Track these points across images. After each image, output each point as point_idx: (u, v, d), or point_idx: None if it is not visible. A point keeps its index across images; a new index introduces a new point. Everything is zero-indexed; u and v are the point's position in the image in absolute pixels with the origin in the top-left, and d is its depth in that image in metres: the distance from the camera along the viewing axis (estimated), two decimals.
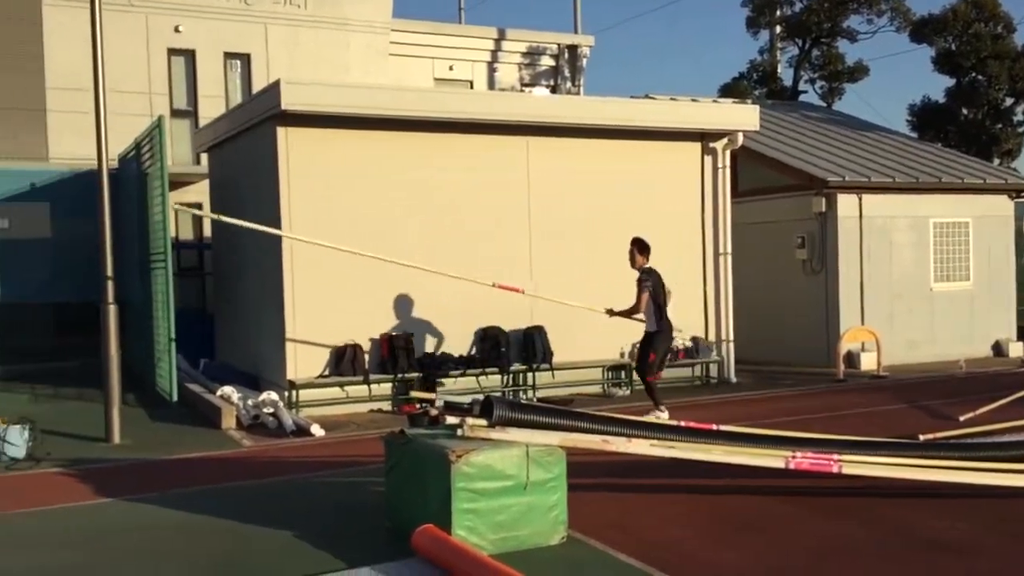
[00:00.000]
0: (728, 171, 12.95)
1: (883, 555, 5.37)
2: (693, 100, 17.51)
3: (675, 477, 6.88)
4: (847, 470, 6.20)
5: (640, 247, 9.71)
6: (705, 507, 6.35)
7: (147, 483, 7.36)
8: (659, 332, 9.62)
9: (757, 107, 13.46)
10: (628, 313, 9.65)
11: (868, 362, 13.83)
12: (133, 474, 7.78)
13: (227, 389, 10.48)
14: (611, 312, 9.86)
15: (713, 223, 12.85)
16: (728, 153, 12.94)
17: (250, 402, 10.03)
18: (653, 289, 9.47)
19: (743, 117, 13.05)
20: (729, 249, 12.88)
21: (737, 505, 6.39)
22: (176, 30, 17.00)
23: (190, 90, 17.40)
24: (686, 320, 12.42)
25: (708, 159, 12.86)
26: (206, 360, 13.00)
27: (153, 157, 11.24)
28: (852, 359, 13.93)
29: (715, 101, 19.41)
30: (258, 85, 16.94)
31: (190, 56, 17.30)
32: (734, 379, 12.74)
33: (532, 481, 5.43)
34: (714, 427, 6.64)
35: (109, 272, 9.27)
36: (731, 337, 12.82)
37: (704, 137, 12.78)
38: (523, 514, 5.40)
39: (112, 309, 9.22)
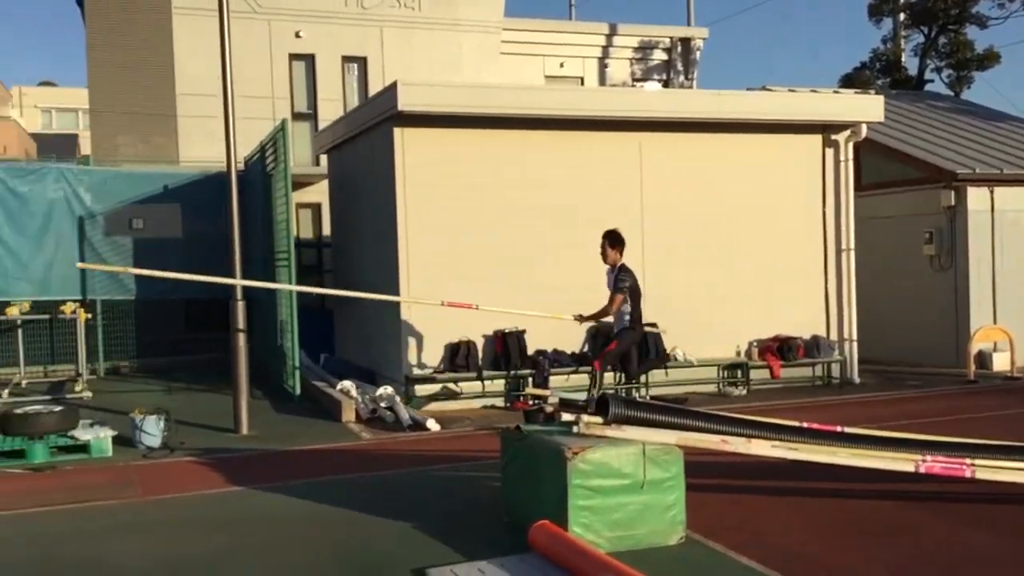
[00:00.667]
0: (851, 164, 12.52)
1: (1021, 567, 5.10)
2: (813, 91, 17.00)
3: (796, 480, 6.70)
4: (980, 475, 5.91)
5: (612, 241, 8.74)
6: (828, 511, 6.16)
7: (274, 473, 7.64)
8: (630, 330, 8.89)
9: (881, 97, 12.96)
10: (599, 316, 8.96)
11: (1001, 363, 13.15)
12: (261, 464, 8.09)
13: (346, 384, 10.78)
14: (580, 318, 9.17)
15: (835, 218, 12.45)
16: (851, 146, 12.52)
17: (368, 396, 10.29)
18: (632, 289, 8.75)
19: (866, 108, 12.59)
20: (852, 245, 12.45)
21: (862, 510, 6.17)
22: (297, 36, 17.57)
23: (310, 93, 17.97)
24: (806, 318, 12.10)
25: (830, 152, 12.47)
26: (326, 355, 13.40)
27: (276, 159, 11.67)
28: (983, 359, 13.27)
29: (836, 92, 18.80)
30: (374, 87, 17.34)
31: (310, 60, 17.87)
32: (857, 379, 12.31)
33: (649, 480, 5.38)
34: (838, 429, 6.42)
35: (238, 270, 9.63)
36: (854, 336, 12.39)
37: (825, 129, 12.39)
38: (640, 513, 5.36)
39: (240, 305, 9.61)
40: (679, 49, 21.68)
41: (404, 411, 9.78)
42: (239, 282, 9.54)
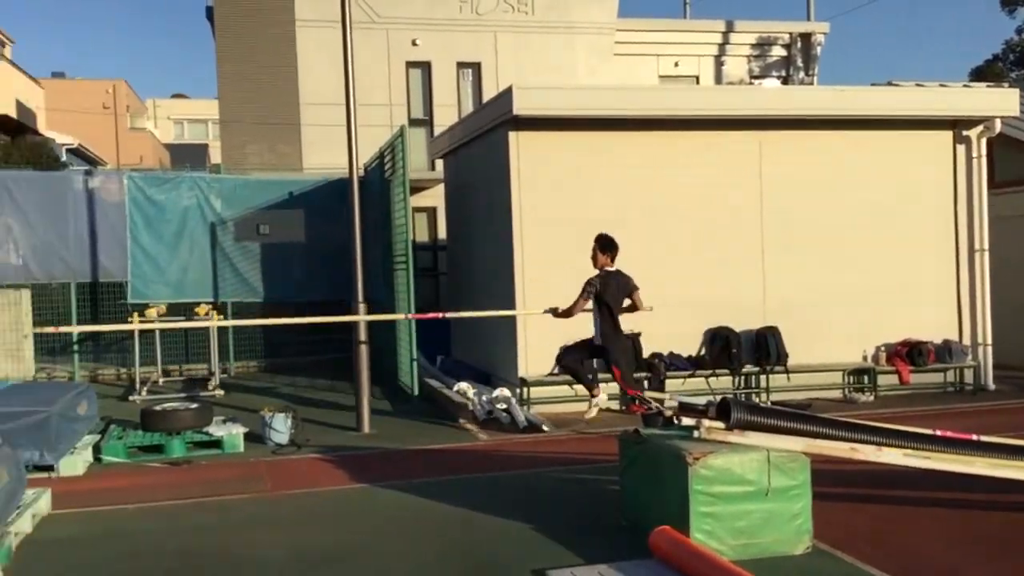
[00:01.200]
0: (984, 161, 11.92)
1: None
2: (941, 85, 16.26)
3: (925, 490, 6.43)
4: None
5: (602, 245, 8.33)
6: (963, 523, 5.89)
7: (395, 471, 7.83)
8: (615, 341, 8.33)
9: (1016, 90, 12.30)
10: (563, 315, 8.57)
11: None
12: (382, 462, 8.30)
13: (463, 385, 10.94)
14: (554, 312, 8.72)
15: (967, 217, 11.87)
16: (983, 141, 11.91)
17: (484, 398, 10.41)
18: (603, 295, 8.22)
19: (1000, 102, 11.96)
20: (986, 245, 11.85)
21: (999, 523, 5.87)
22: (414, 43, 17.95)
23: (426, 100, 18.33)
24: (937, 322, 11.59)
25: (960, 148, 11.90)
26: (443, 357, 13.62)
27: (395, 165, 11.95)
28: None
29: (966, 86, 17.93)
30: (488, 92, 17.54)
31: (426, 68, 18.23)
32: (992, 386, 11.70)
33: (774, 487, 5.26)
34: (974, 437, 6.13)
35: (359, 273, 9.90)
36: (989, 340, 11.79)
37: (956, 125, 11.84)
38: (765, 521, 5.25)
39: (362, 308, 9.87)
40: (799, 45, 21.10)
41: (520, 413, 9.85)
42: (335, 319, 9.79)
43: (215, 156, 40.26)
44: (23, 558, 5.55)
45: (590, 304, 8.21)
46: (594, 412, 8.42)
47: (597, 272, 8.23)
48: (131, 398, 11.95)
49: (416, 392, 11.28)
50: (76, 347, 14.03)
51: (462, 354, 13.58)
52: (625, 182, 10.91)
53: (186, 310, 13.47)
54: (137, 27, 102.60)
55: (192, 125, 50.46)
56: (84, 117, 35.52)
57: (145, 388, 12.26)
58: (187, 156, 39.36)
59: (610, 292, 8.13)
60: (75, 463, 7.90)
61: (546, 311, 8.79)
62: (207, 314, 12.84)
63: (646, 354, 10.77)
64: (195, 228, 14.41)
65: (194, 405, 9.20)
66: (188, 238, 14.36)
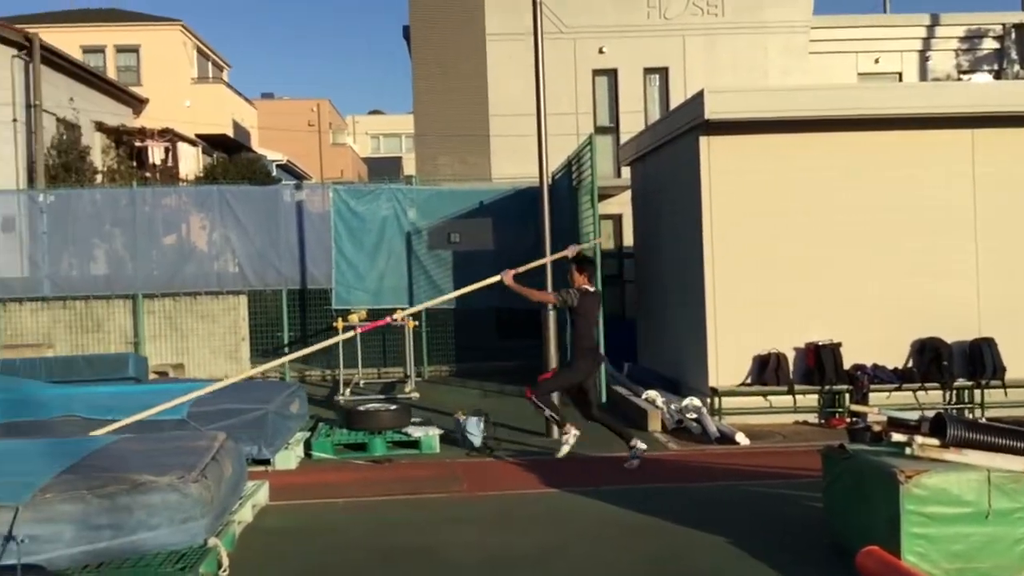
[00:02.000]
0: None
1: None
2: None
3: None
4: None
5: (580, 266, 8.68)
6: None
7: (586, 477, 7.88)
8: (576, 360, 8.63)
9: None
10: (517, 290, 8.73)
11: None
12: (573, 468, 8.37)
13: (652, 393, 10.85)
14: (512, 278, 8.72)
15: None
16: None
17: (674, 407, 10.29)
18: (577, 309, 8.46)
19: None
20: None
21: None
22: (600, 51, 18.05)
23: (612, 107, 18.36)
24: None
25: None
26: (629, 364, 13.57)
27: (583, 172, 12.04)
28: None
29: None
30: (675, 97, 17.36)
31: (612, 75, 18.27)
32: None
33: (995, 510, 4.90)
34: None
35: (549, 281, 10.04)
36: None
37: None
38: (984, 545, 4.90)
39: (551, 314, 10.00)
40: (1013, 36, 19.56)
41: (711, 423, 9.66)
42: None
43: (408, 168, 42.04)
44: (245, 545, 6.00)
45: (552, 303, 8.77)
46: (566, 449, 8.61)
47: (579, 287, 8.52)
48: (336, 398, 12.65)
49: (603, 399, 11.29)
50: (287, 349, 15.01)
51: (649, 361, 13.48)
52: (822, 184, 10.50)
53: (383, 315, 14.09)
54: (339, 50, 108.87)
55: (387, 139, 52.93)
56: (291, 134, 38.01)
57: (348, 389, 12.95)
58: (383, 169, 41.32)
59: (584, 307, 8.50)
60: (289, 458, 8.46)
61: (503, 274, 8.91)
62: (403, 320, 13.38)
63: (847, 365, 10.30)
64: (392, 237, 15.09)
65: (394, 406, 9.64)
66: (386, 247, 15.06)
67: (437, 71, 18.55)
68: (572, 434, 8.71)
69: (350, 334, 10.25)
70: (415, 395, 12.61)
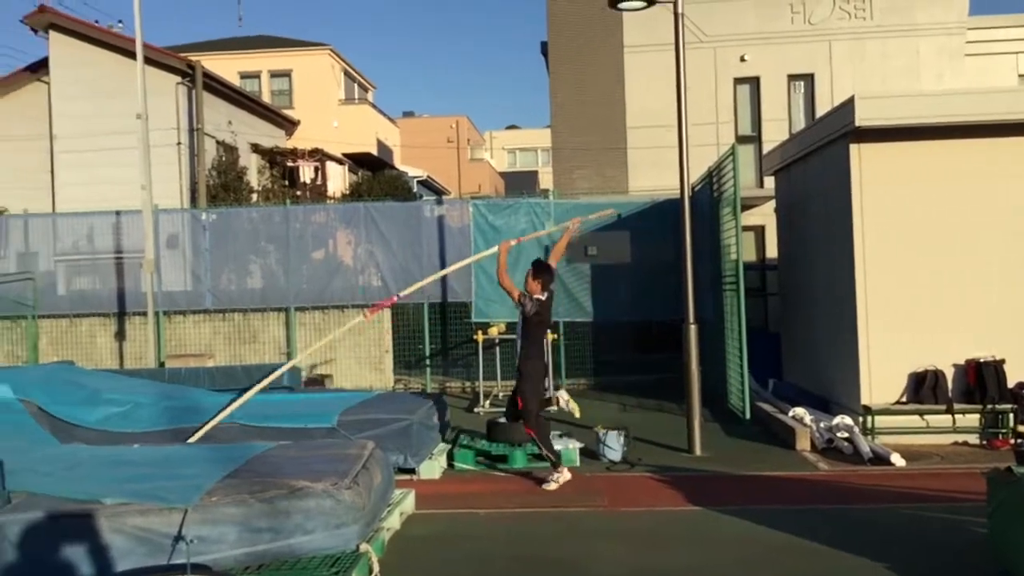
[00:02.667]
0: None
1: None
2: None
3: None
4: None
5: (536, 271, 8.53)
6: None
7: (731, 496, 7.69)
8: (527, 369, 8.56)
9: None
10: (501, 270, 8.61)
11: None
12: (717, 486, 8.19)
13: (799, 410, 10.50)
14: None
15: None
16: None
17: (823, 425, 9.92)
18: (532, 317, 8.39)
19: None
20: None
21: None
22: (742, 59, 17.69)
23: (754, 116, 17.96)
24: None
25: None
26: (775, 380, 13.18)
27: (724, 183, 11.81)
28: None
29: None
30: (821, 104, 16.83)
31: (754, 83, 17.87)
32: None
33: None
34: None
35: (690, 294, 9.89)
36: None
37: None
38: None
39: (693, 328, 9.85)
40: None
41: (864, 443, 9.25)
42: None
43: (544, 182, 42.37)
44: (394, 551, 6.15)
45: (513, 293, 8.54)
46: (553, 486, 8.10)
47: (532, 295, 8.41)
48: (475, 410, 12.84)
49: (747, 415, 11.03)
50: (428, 361, 15.37)
51: (795, 377, 13.05)
52: (981, 192, 9.91)
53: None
54: (477, 67, 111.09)
55: (523, 154, 53.53)
56: (431, 151, 38.98)
57: (488, 401, 13.11)
58: (519, 183, 41.79)
59: (541, 316, 8.50)
60: (433, 467, 8.64)
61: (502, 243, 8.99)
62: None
63: (1011, 383, 9.66)
64: (530, 251, 15.18)
65: None
66: (525, 260, 15.14)
67: (574, 85, 18.64)
68: (565, 476, 8.20)
69: (333, 337, 10.30)
70: (553, 408, 12.62)
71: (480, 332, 13.57)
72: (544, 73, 20.50)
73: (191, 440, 7.90)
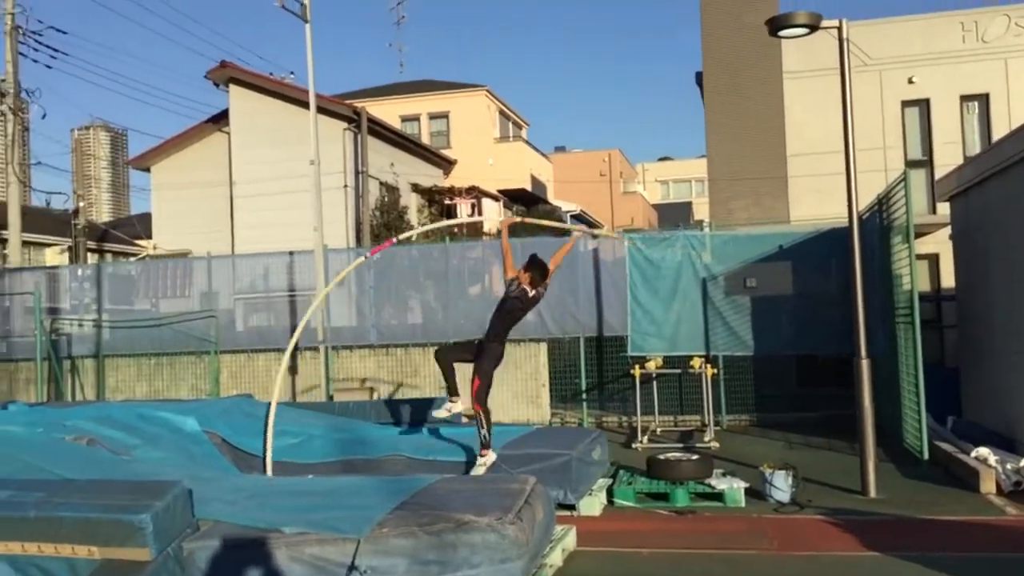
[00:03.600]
0: None
1: None
2: None
3: None
4: None
5: (529, 265, 8.44)
6: None
7: (910, 542, 7.25)
8: (488, 347, 8.37)
9: None
10: (505, 250, 8.96)
11: None
12: (894, 531, 7.73)
13: (983, 450, 9.80)
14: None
15: None
16: None
17: (1009, 466, 9.23)
18: (512, 302, 8.36)
19: None
20: None
21: None
22: (909, 81, 16.93)
23: (924, 139, 17.11)
24: None
25: None
26: (953, 418, 12.38)
27: (894, 210, 11.28)
28: None
29: None
30: (997, 125, 15.89)
31: (923, 105, 17.05)
32: None
33: None
34: None
35: (862, 327, 9.47)
36: None
37: None
38: None
39: (865, 363, 9.42)
40: None
41: None
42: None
43: (699, 212, 41.76)
44: None
45: (509, 279, 8.53)
46: (481, 469, 7.99)
47: (520, 283, 8.36)
48: (633, 445, 12.69)
49: (925, 456, 10.39)
50: (584, 395, 15.34)
51: (976, 415, 12.20)
52: None
53: (679, 362, 14.03)
54: (628, 101, 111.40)
55: (676, 185, 53.02)
56: (583, 185, 39.20)
57: (646, 436, 12.94)
58: (672, 214, 41.38)
59: (519, 302, 8.41)
60: (593, 504, 8.59)
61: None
62: (700, 367, 13.24)
63: None
64: (687, 284, 14.97)
65: (695, 456, 9.48)
66: (681, 293, 14.96)
67: (731, 114, 18.34)
68: (491, 460, 8.10)
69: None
70: (715, 445, 12.34)
71: (637, 366, 13.44)
72: (699, 103, 20.29)
73: None
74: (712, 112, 18.60)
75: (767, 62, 17.78)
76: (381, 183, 22.73)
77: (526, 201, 31.39)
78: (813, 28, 9.26)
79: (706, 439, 12.64)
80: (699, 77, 19.54)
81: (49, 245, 26.91)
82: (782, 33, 9.45)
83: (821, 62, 16.12)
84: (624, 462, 10.99)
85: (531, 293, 8.44)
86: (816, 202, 16.62)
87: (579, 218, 35.21)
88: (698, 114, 23.40)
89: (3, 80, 20.75)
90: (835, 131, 9.82)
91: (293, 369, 16.28)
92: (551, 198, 34.83)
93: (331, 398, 14.92)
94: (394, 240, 10.92)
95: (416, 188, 25.29)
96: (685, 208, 46.21)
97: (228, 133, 23.17)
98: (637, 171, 50.87)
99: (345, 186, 21.28)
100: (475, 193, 26.42)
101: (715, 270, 14.98)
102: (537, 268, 8.45)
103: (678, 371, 14.00)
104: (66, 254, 26.16)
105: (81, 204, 23.45)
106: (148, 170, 25.15)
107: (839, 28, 9.43)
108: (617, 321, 15.05)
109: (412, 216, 24.28)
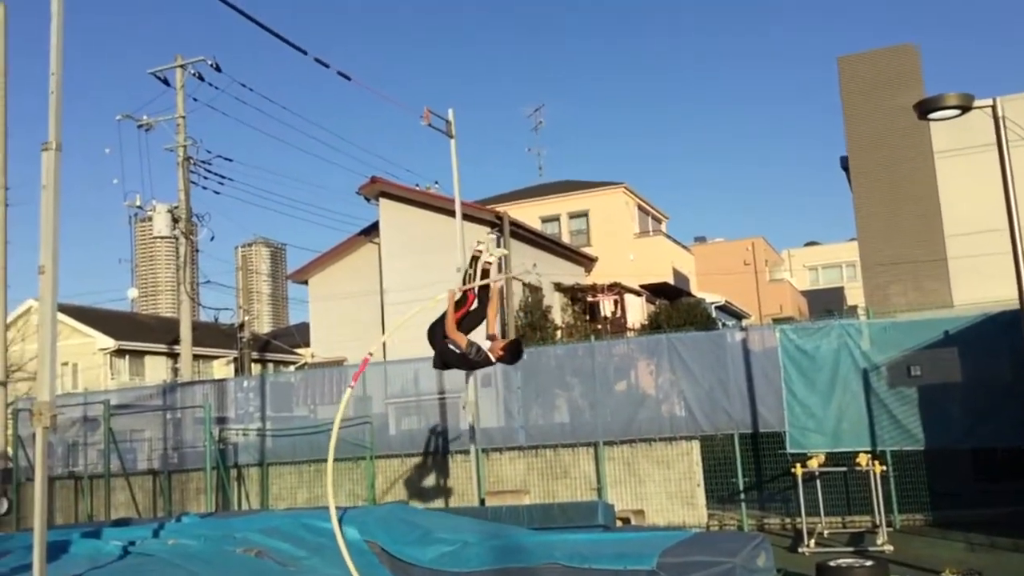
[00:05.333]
0: None
1: None
2: None
3: None
4: None
5: (510, 346, 9.18)
6: None
7: None
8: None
9: None
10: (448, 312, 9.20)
11: None
12: None
13: None
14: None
15: None
16: None
17: None
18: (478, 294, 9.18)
19: None
20: None
21: None
22: None
23: None
24: None
25: None
26: None
27: None
28: None
29: None
30: None
31: None
32: None
33: None
34: None
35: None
36: None
37: None
38: None
39: None
40: None
41: None
42: None
43: (851, 298, 40.18)
44: None
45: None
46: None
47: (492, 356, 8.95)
48: (800, 550, 12.03)
49: None
50: (742, 495, 14.73)
51: None
52: None
53: (843, 458, 13.33)
54: (769, 188, 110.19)
55: (825, 270, 51.38)
56: (727, 276, 38.56)
57: (812, 540, 12.25)
58: (823, 301, 39.99)
59: (474, 363, 9.10)
60: None
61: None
62: (867, 464, 12.53)
63: None
64: (847, 375, 14.32)
65: (868, 562, 8.90)
66: (840, 385, 14.32)
67: (880, 196, 17.76)
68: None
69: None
70: (889, 548, 11.54)
71: (798, 464, 12.84)
72: (843, 186, 19.79)
73: None
74: (860, 196, 18.09)
75: (916, 143, 17.24)
76: (524, 284, 23.09)
77: (669, 294, 31.11)
78: (965, 109, 8.95)
79: (879, 542, 11.85)
80: (844, 161, 19.12)
81: (216, 357, 28.63)
82: (932, 116, 9.16)
83: (973, 139, 15.48)
84: (791, 568, 10.43)
85: (493, 360, 9.17)
86: (978, 283, 15.75)
87: (724, 309, 34.57)
88: (844, 197, 23.11)
89: (176, 207, 22.60)
90: (997, 208, 9.33)
91: (445, 473, 16.43)
92: (694, 290, 34.40)
93: (483, 502, 14.91)
94: (369, 358, 9.98)
95: (558, 287, 25.54)
96: (837, 293, 44.58)
97: (378, 244, 24.23)
98: (783, 257, 49.66)
99: None
100: (617, 289, 26.43)
101: (875, 359, 14.29)
102: (514, 356, 9.32)
103: (843, 468, 13.29)
104: (231, 365, 27.73)
105: (246, 318, 24.89)
106: (306, 283, 26.53)
107: (993, 107, 9.07)
108: (772, 416, 14.50)
109: (556, 315, 24.46)
